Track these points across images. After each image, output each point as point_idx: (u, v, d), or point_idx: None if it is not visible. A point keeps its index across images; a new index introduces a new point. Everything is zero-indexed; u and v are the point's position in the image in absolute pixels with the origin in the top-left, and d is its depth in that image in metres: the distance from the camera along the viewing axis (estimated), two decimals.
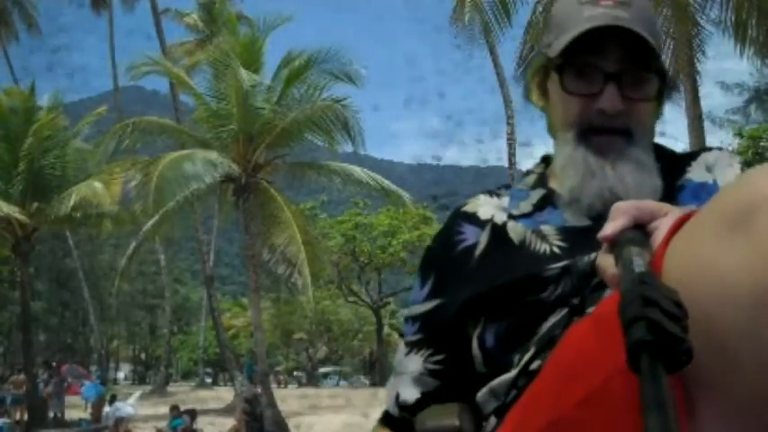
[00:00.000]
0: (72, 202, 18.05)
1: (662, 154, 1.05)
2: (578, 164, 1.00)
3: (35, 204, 19.05)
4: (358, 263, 32.93)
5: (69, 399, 23.14)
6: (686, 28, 11.26)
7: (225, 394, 26.65)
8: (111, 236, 26.05)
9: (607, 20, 0.97)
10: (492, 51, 16.65)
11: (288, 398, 23.99)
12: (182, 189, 15.94)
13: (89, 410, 21.46)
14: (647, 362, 0.51)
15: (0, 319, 37.84)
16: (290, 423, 17.84)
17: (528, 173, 1.15)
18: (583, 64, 1.00)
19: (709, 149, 1.10)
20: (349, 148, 16.94)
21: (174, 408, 16.09)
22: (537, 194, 1.07)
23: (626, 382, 0.54)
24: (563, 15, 1.03)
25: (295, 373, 53.17)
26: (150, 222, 16.67)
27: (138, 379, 53.39)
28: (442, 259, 1.08)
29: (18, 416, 19.81)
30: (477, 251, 1.05)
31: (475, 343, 1.00)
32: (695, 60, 11.76)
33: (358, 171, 16.76)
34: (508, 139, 17.23)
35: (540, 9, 12.71)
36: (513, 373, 0.93)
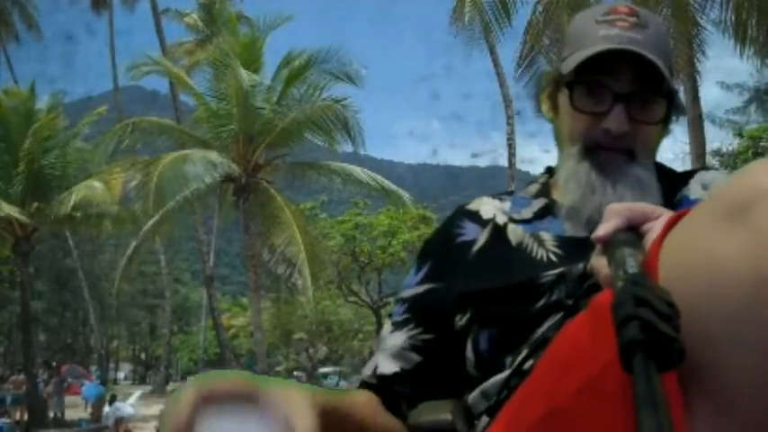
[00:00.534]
0: (72, 202, 18.04)
1: (662, 173, 1.07)
2: (581, 179, 1.02)
3: (35, 204, 19.04)
4: (358, 263, 32.89)
5: (69, 399, 23.15)
6: (686, 28, 11.27)
7: None
8: (111, 236, 26.06)
9: (621, 41, 0.99)
10: (492, 51, 16.65)
11: None
12: (182, 189, 15.94)
13: (89, 410, 21.48)
14: (640, 361, 0.51)
15: (0, 319, 37.85)
16: None
17: (531, 182, 1.17)
18: (593, 83, 1.01)
19: (707, 169, 1.13)
20: (349, 148, 16.96)
21: None
22: (539, 203, 1.09)
23: (622, 373, 0.54)
24: (579, 32, 1.06)
25: (295, 373, 53.14)
26: (150, 222, 16.68)
27: (138, 379, 53.39)
28: (439, 249, 1.10)
29: (18, 416, 19.82)
30: (476, 247, 1.06)
31: (469, 346, 1.01)
32: (695, 60, 11.77)
33: (358, 171, 16.76)
34: (508, 139, 17.23)
35: (540, 9, 12.73)
36: (505, 373, 0.94)
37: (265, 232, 16.94)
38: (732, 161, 17.98)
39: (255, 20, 19.03)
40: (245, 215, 16.57)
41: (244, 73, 15.48)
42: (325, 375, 51.64)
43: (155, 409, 21.16)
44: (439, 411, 0.95)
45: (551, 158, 1.16)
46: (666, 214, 0.71)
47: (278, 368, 49.30)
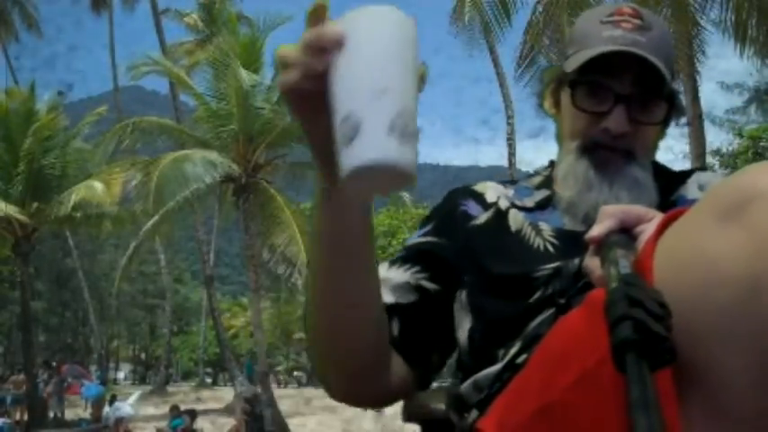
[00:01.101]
0: (72, 202, 18.03)
1: (659, 172, 1.08)
2: (578, 175, 1.03)
3: (35, 204, 19.04)
4: None
5: (69, 399, 23.15)
6: (686, 28, 11.26)
7: (225, 394, 26.64)
8: (111, 236, 26.03)
9: (624, 43, 1.00)
10: (492, 51, 16.65)
11: (286, 397, 24.00)
12: (182, 189, 15.92)
13: (89, 410, 21.47)
14: (633, 361, 0.52)
15: (0, 319, 37.85)
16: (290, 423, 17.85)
17: (534, 174, 1.18)
18: (595, 83, 1.03)
19: (704, 170, 1.14)
20: None
21: (174, 408, 16.09)
22: (541, 194, 1.11)
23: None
24: (583, 32, 1.07)
25: (295, 373, 53.16)
26: (150, 222, 16.67)
27: (138, 379, 53.38)
28: (443, 213, 1.12)
29: (18, 416, 19.81)
30: (476, 222, 1.08)
31: (462, 332, 1.03)
32: (695, 60, 11.76)
33: None
34: (508, 139, 17.22)
35: (540, 9, 12.72)
36: (498, 366, 0.95)
37: (265, 232, 16.93)
38: (732, 161, 17.98)
39: (255, 20, 19.00)
40: (245, 215, 16.57)
41: (244, 73, 15.48)
42: None
43: (155, 409, 21.17)
44: (432, 400, 0.96)
45: (552, 158, 1.17)
46: (659, 217, 0.72)
47: (278, 368, 49.30)
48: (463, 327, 1.04)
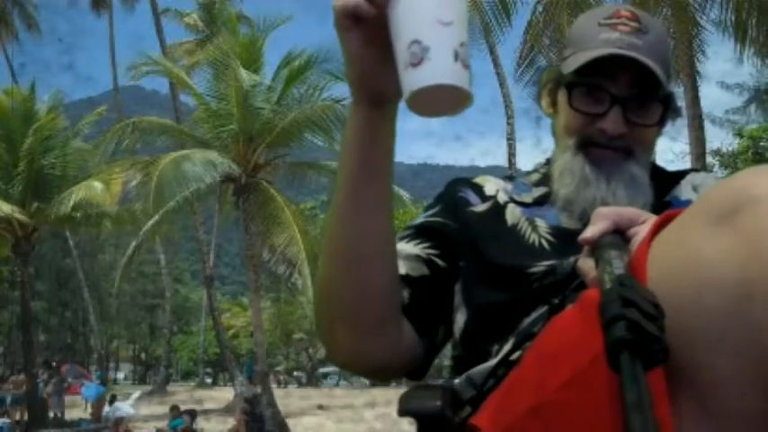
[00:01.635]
0: (72, 202, 18.04)
1: (654, 172, 1.09)
2: (575, 172, 1.04)
3: (35, 204, 19.04)
4: None
5: (69, 399, 23.15)
6: (686, 28, 11.26)
7: (225, 394, 26.65)
8: (111, 236, 26.04)
9: (621, 46, 1.01)
10: (492, 51, 16.64)
11: (286, 398, 23.99)
12: (182, 189, 15.92)
13: (89, 410, 21.47)
14: (627, 360, 0.53)
15: (0, 319, 37.84)
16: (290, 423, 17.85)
17: (531, 171, 1.19)
18: (592, 85, 1.04)
19: (697, 171, 1.16)
20: None
21: (174, 408, 16.09)
22: (539, 191, 1.12)
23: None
24: (581, 33, 1.08)
25: (295, 373, 53.15)
26: (150, 222, 16.66)
27: (138, 379, 53.40)
28: (447, 198, 1.14)
29: (18, 416, 19.81)
30: (475, 209, 1.10)
31: (460, 327, 1.04)
32: (695, 60, 11.76)
33: None
34: (508, 139, 17.21)
35: (540, 9, 12.72)
36: (491, 362, 0.95)
37: (265, 232, 16.92)
38: (732, 161, 17.99)
39: (255, 20, 19.01)
40: (245, 215, 16.56)
41: (244, 73, 15.47)
42: (326, 375, 51.63)
43: (155, 409, 21.17)
44: (428, 397, 0.96)
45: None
46: (652, 219, 0.73)
47: (278, 368, 49.29)
48: (458, 321, 1.05)
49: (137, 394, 22.18)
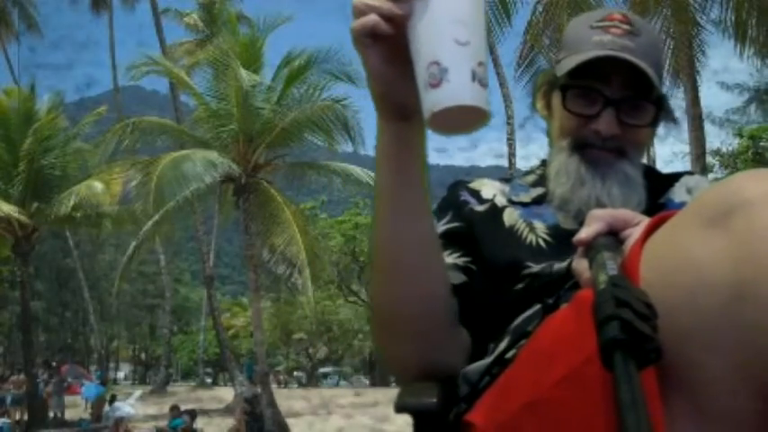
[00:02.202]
0: (72, 202, 18.03)
1: (648, 174, 1.10)
2: (570, 172, 1.06)
3: (35, 204, 19.03)
4: (358, 263, 32.92)
5: (69, 399, 23.14)
6: (686, 28, 11.26)
7: (225, 394, 26.65)
8: (111, 236, 26.04)
9: (614, 48, 1.02)
10: (492, 51, 16.64)
11: (287, 398, 23.98)
12: (182, 189, 15.91)
13: (89, 410, 21.47)
14: (620, 359, 0.54)
15: (0, 319, 37.85)
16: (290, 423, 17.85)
17: (528, 172, 1.21)
18: (585, 87, 1.05)
19: (691, 174, 1.17)
20: (349, 148, 16.93)
21: (174, 408, 16.08)
22: (536, 191, 1.14)
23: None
24: (574, 37, 1.10)
25: (295, 373, 53.16)
26: (150, 222, 16.66)
27: (138, 379, 53.40)
28: (451, 202, 1.15)
29: (18, 416, 19.80)
30: (476, 209, 1.12)
31: None
32: (695, 60, 11.77)
33: (358, 171, 16.74)
34: (508, 139, 17.22)
35: (540, 9, 12.72)
36: (486, 360, 0.97)
37: (265, 232, 16.92)
38: (732, 161, 17.99)
39: (255, 20, 18.97)
40: (245, 215, 16.55)
41: (244, 73, 15.45)
42: (326, 375, 51.65)
43: (155, 409, 21.16)
44: (423, 394, 0.97)
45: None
46: (645, 221, 0.74)
47: (278, 368, 49.30)
48: None
49: (137, 394, 22.16)
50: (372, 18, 0.75)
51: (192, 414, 15.49)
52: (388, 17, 0.74)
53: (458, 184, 1.17)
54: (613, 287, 0.59)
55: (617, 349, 0.54)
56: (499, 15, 13.87)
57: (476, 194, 1.14)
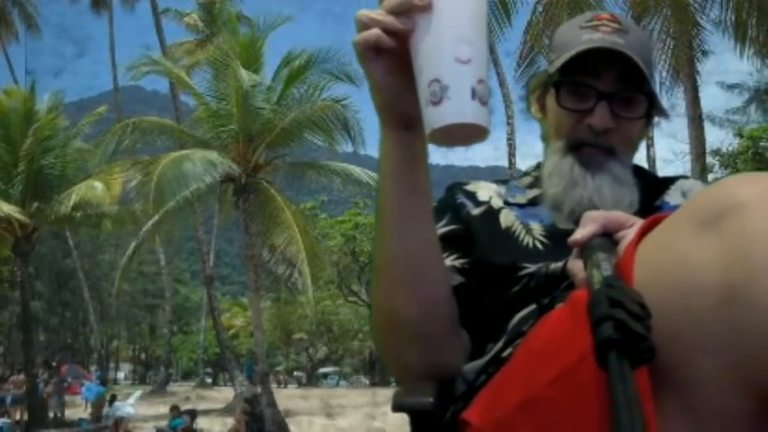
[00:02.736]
0: (72, 202, 18.03)
1: (644, 176, 1.13)
2: (564, 173, 1.07)
3: (35, 204, 19.03)
4: (358, 263, 32.94)
5: (69, 399, 23.15)
6: (686, 28, 11.26)
7: (225, 394, 26.65)
8: (111, 236, 26.04)
9: (604, 44, 1.04)
10: (492, 51, 16.63)
11: (287, 398, 23.99)
12: (182, 189, 15.90)
13: (89, 410, 21.46)
14: (614, 359, 0.55)
15: (0, 319, 37.85)
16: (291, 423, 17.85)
17: (524, 174, 1.23)
18: (578, 83, 1.07)
19: (687, 177, 1.20)
20: (349, 148, 16.93)
21: (174, 408, 16.08)
22: (532, 193, 1.15)
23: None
24: (564, 38, 1.11)
25: (295, 373, 53.18)
26: (150, 222, 16.65)
27: (138, 379, 53.44)
28: (448, 204, 1.16)
29: (18, 416, 19.81)
30: (473, 212, 1.13)
31: None
32: (695, 60, 11.77)
33: (358, 171, 16.74)
34: (508, 139, 17.22)
35: (540, 9, 12.73)
36: (483, 359, 0.98)
37: (265, 232, 16.92)
38: (732, 161, 17.98)
39: (255, 20, 18.97)
40: (245, 215, 16.55)
41: (244, 73, 15.45)
42: (326, 375, 51.64)
43: (155, 409, 21.17)
44: (420, 394, 0.97)
45: None
46: (639, 223, 0.75)
47: (278, 368, 49.32)
48: None
49: (137, 394, 22.17)
50: (375, 32, 0.76)
51: (192, 414, 15.49)
52: (391, 32, 0.75)
53: (454, 187, 1.19)
54: (608, 288, 0.60)
55: (611, 349, 0.55)
56: (499, 15, 13.88)
57: (472, 197, 1.15)
